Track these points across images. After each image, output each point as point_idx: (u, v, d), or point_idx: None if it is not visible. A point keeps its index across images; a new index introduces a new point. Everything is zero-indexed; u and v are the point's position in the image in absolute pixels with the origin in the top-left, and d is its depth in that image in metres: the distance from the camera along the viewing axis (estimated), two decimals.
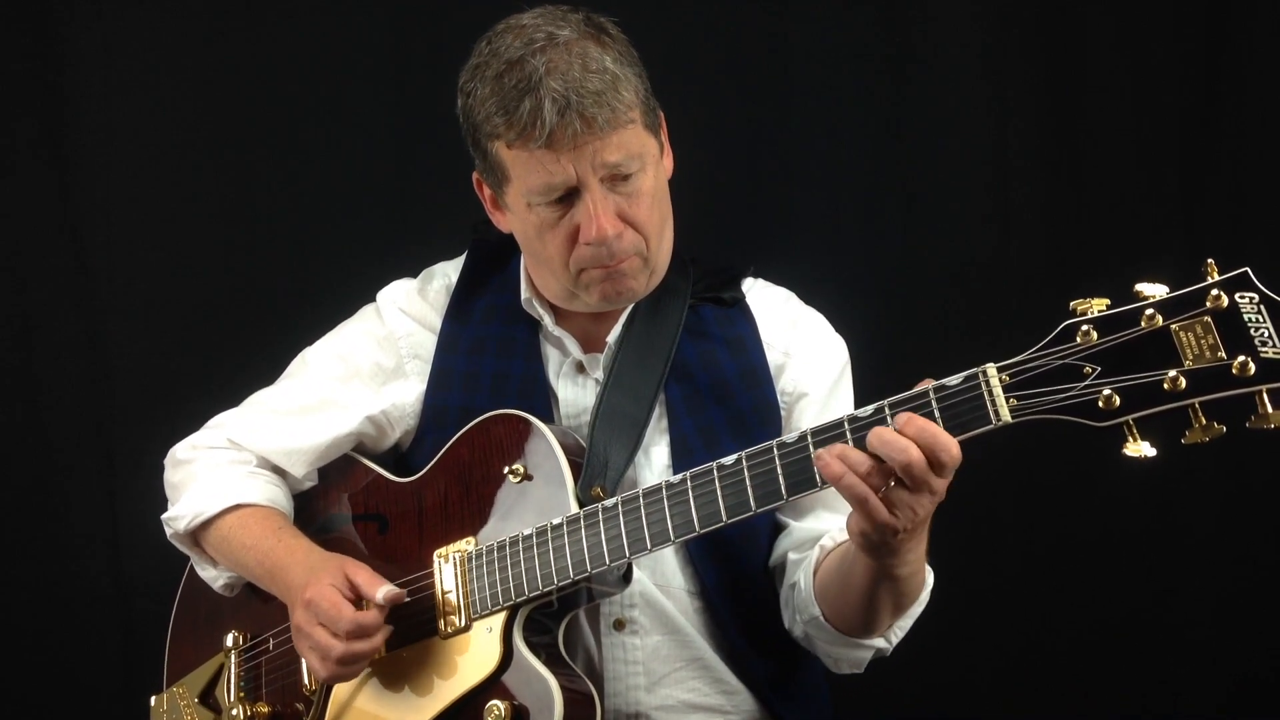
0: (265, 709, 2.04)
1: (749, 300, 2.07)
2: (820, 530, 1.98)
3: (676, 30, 2.87)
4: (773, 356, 2.03)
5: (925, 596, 1.90)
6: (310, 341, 2.18)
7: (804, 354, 2.04)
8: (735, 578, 1.98)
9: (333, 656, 1.83)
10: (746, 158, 2.90)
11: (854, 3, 2.90)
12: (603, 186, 1.84)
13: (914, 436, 1.54)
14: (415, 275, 2.17)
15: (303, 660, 1.98)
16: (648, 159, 1.88)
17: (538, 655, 1.81)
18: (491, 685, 1.81)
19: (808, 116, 2.90)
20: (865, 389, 2.10)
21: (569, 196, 1.86)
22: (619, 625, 1.94)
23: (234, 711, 2.04)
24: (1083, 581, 2.83)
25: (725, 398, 1.98)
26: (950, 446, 1.54)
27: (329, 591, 1.84)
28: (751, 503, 1.68)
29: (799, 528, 2.00)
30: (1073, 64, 2.85)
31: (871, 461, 1.56)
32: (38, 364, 2.97)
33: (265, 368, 2.22)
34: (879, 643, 1.93)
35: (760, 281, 2.13)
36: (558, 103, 1.77)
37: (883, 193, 2.90)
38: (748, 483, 1.68)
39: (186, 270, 2.95)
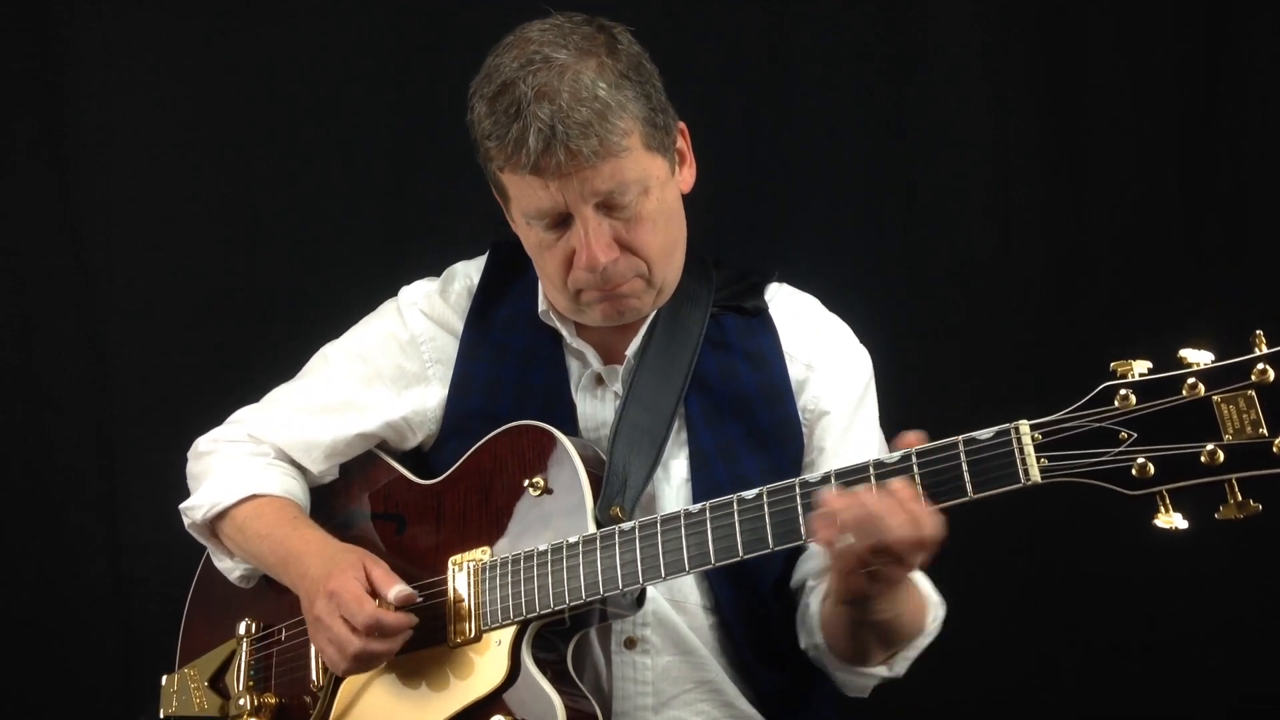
0: (273, 700, 2.04)
1: (772, 309, 2.04)
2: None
3: (677, 31, 2.86)
4: (794, 370, 2.00)
5: (933, 627, 1.90)
6: (311, 343, 2.18)
7: (827, 368, 2.01)
8: (750, 594, 1.96)
9: (349, 652, 1.83)
10: (747, 158, 2.90)
11: (854, 3, 2.89)
12: (597, 213, 1.82)
13: (904, 511, 1.55)
14: (426, 275, 2.16)
15: (312, 655, 1.98)
16: (650, 182, 1.84)
17: (544, 672, 1.80)
18: (496, 699, 1.81)
19: (808, 116, 2.89)
20: None
21: (565, 220, 1.84)
22: (630, 644, 1.93)
23: (241, 700, 2.04)
24: (1088, 606, 2.83)
25: (745, 413, 1.96)
26: (932, 527, 1.55)
27: (353, 584, 1.84)
28: (770, 540, 1.67)
29: (818, 551, 1.95)
30: (1073, 64, 2.85)
31: (864, 539, 1.56)
32: (38, 364, 2.96)
33: (265, 367, 2.23)
34: (880, 671, 1.92)
35: (786, 287, 2.09)
36: (542, 133, 1.75)
37: (883, 192, 2.90)
38: (767, 520, 1.67)
39: (186, 270, 2.95)
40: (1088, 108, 2.85)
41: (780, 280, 2.10)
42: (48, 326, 2.96)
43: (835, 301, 2.13)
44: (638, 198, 1.83)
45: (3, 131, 2.93)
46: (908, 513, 1.54)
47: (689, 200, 2.00)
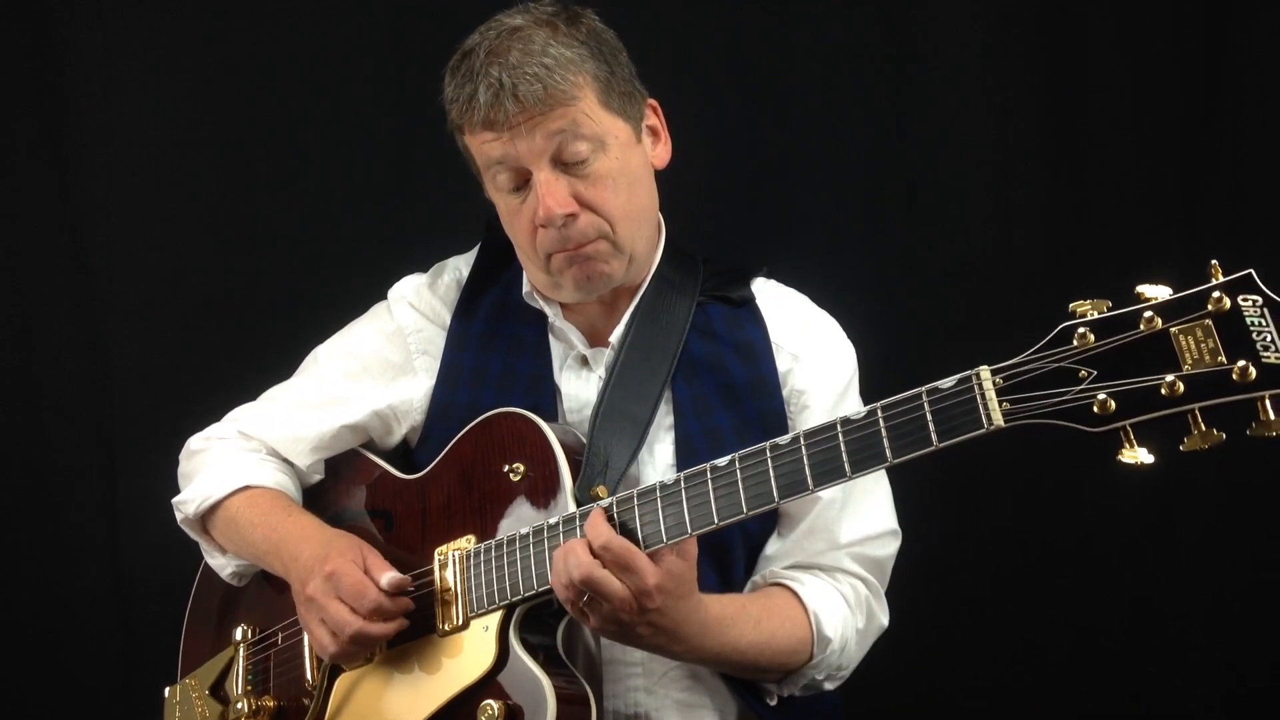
0: (271, 702, 2.05)
1: (759, 301, 2.05)
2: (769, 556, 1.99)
3: (677, 30, 2.87)
4: (781, 360, 2.00)
5: (820, 657, 1.90)
6: (311, 341, 2.19)
7: (813, 359, 2.02)
8: (729, 579, 1.96)
9: (347, 633, 1.84)
10: (747, 157, 2.90)
11: (854, 3, 2.89)
12: (554, 168, 1.86)
13: (594, 544, 1.66)
14: (423, 270, 2.17)
15: (307, 654, 1.99)
16: (607, 140, 1.88)
17: (535, 655, 1.80)
18: (486, 684, 1.81)
19: (808, 116, 2.90)
20: (865, 388, 2.09)
21: (528, 182, 1.88)
22: None
23: (239, 705, 2.05)
24: (1079, 589, 2.83)
25: (733, 404, 1.97)
26: (608, 549, 1.66)
27: (352, 568, 1.85)
28: (743, 505, 1.67)
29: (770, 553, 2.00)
30: (1073, 64, 2.85)
31: (568, 575, 1.67)
32: (38, 364, 2.96)
33: (265, 367, 2.23)
34: (771, 688, 1.94)
35: (772, 282, 2.11)
36: (492, 86, 1.82)
37: (883, 192, 2.90)
38: (740, 485, 1.67)
39: (186, 270, 2.96)
40: (1088, 108, 2.85)
41: (768, 276, 2.12)
42: (48, 326, 2.97)
43: (835, 301, 2.14)
44: (595, 154, 1.87)
45: (3, 131, 2.93)
46: (599, 544, 1.66)
47: (686, 198, 2.00)
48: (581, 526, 1.76)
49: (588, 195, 1.87)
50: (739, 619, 1.83)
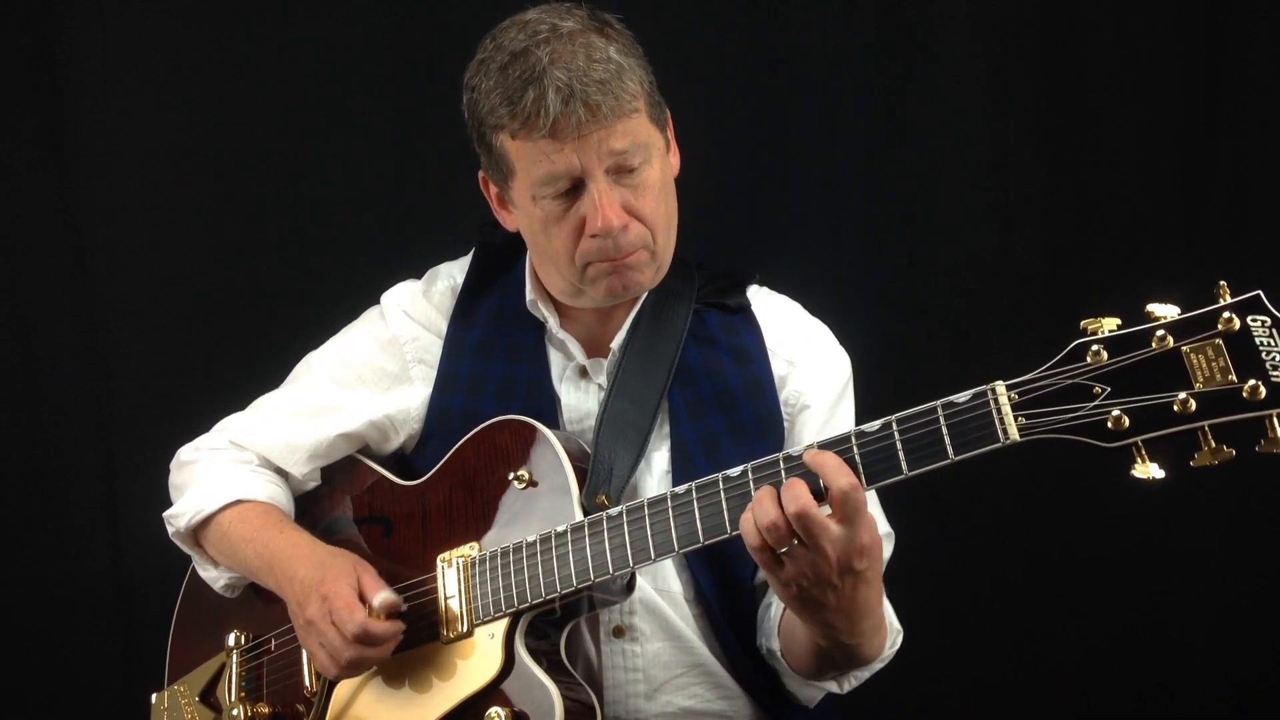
0: (266, 709, 2.04)
1: (754, 308, 2.06)
2: None
3: (676, 31, 2.87)
4: (777, 366, 2.01)
5: (889, 653, 1.91)
6: (311, 341, 2.18)
7: (808, 364, 2.03)
8: (731, 584, 1.96)
9: (343, 658, 1.84)
10: (746, 159, 2.90)
11: (853, 4, 2.89)
12: (608, 178, 1.84)
13: (834, 484, 1.56)
14: (418, 276, 2.16)
15: (304, 661, 1.98)
16: (653, 151, 1.87)
17: (539, 662, 1.80)
18: (492, 691, 1.81)
19: (808, 117, 2.89)
20: (865, 390, 2.10)
21: (575, 189, 1.85)
22: (618, 632, 1.93)
23: (234, 711, 2.04)
24: (1084, 592, 2.84)
25: (729, 408, 1.97)
26: (840, 481, 1.56)
27: (346, 590, 1.85)
28: None
29: None
30: (1073, 64, 2.85)
31: (776, 515, 1.57)
32: (38, 364, 2.96)
33: (266, 368, 2.23)
34: (830, 687, 1.93)
35: (765, 289, 2.12)
36: (561, 91, 1.77)
37: (883, 194, 2.90)
38: (753, 495, 1.66)
39: (186, 270, 2.95)
40: (1088, 108, 2.85)
41: (761, 283, 2.12)
42: (48, 326, 2.96)
43: (835, 303, 2.14)
44: (644, 164, 1.86)
45: (3, 131, 2.93)
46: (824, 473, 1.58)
47: (685, 200, 2.00)
48: (590, 535, 1.75)
49: (636, 205, 1.86)
50: (883, 622, 1.83)
